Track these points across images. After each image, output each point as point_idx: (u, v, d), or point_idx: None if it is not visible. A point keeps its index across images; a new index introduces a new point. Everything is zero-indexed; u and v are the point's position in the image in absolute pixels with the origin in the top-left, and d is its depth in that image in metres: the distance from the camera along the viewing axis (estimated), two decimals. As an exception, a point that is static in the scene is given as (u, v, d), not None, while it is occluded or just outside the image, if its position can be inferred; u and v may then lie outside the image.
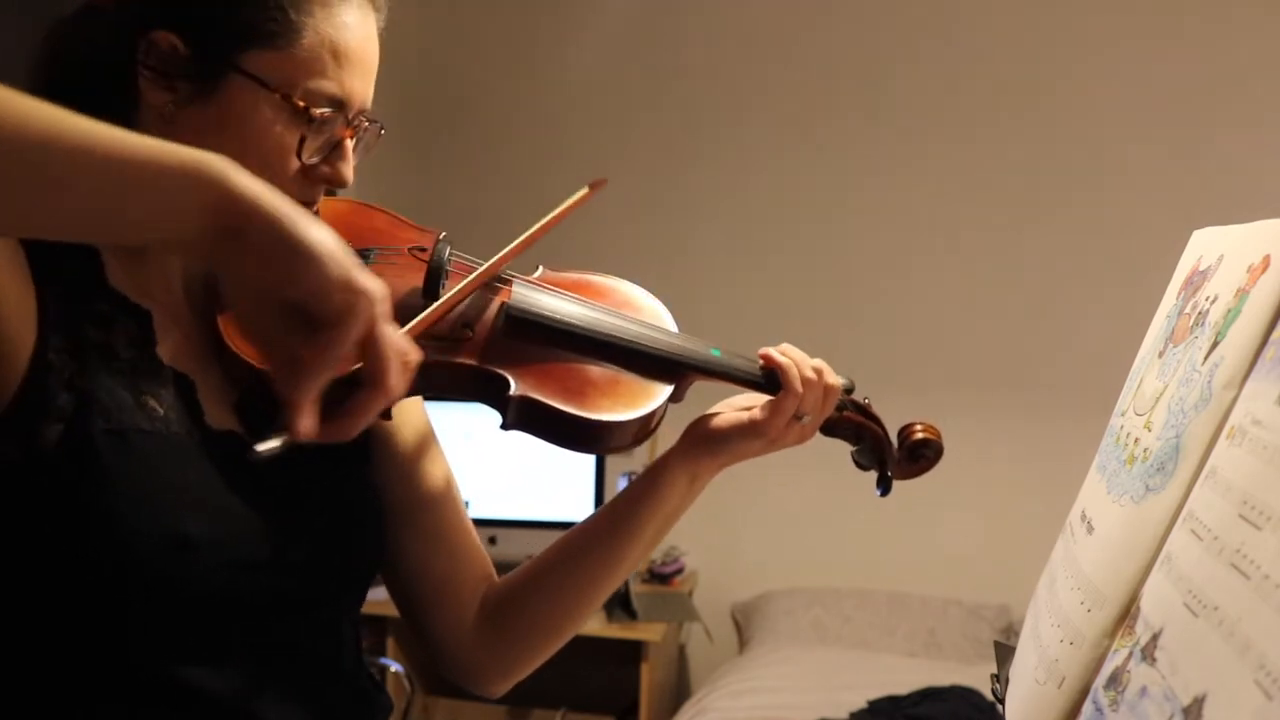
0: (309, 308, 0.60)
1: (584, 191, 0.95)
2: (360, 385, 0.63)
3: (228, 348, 0.79)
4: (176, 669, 0.74)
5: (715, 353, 0.94)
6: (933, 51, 3.12)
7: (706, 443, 0.95)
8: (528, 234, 0.91)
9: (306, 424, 0.61)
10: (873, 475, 1.01)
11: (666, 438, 0.99)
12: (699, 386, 0.95)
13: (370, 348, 0.62)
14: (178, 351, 0.80)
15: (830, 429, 0.98)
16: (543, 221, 0.93)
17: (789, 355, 0.93)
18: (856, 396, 0.99)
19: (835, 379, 0.95)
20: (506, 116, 3.41)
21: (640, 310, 0.97)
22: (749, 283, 3.23)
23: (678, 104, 3.32)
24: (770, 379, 0.93)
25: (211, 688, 0.75)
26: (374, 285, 0.61)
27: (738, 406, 0.96)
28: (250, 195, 0.59)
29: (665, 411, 0.91)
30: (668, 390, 0.90)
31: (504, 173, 3.39)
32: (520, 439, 0.88)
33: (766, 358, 0.93)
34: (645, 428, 0.89)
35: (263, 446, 0.62)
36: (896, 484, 1.01)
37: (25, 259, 0.71)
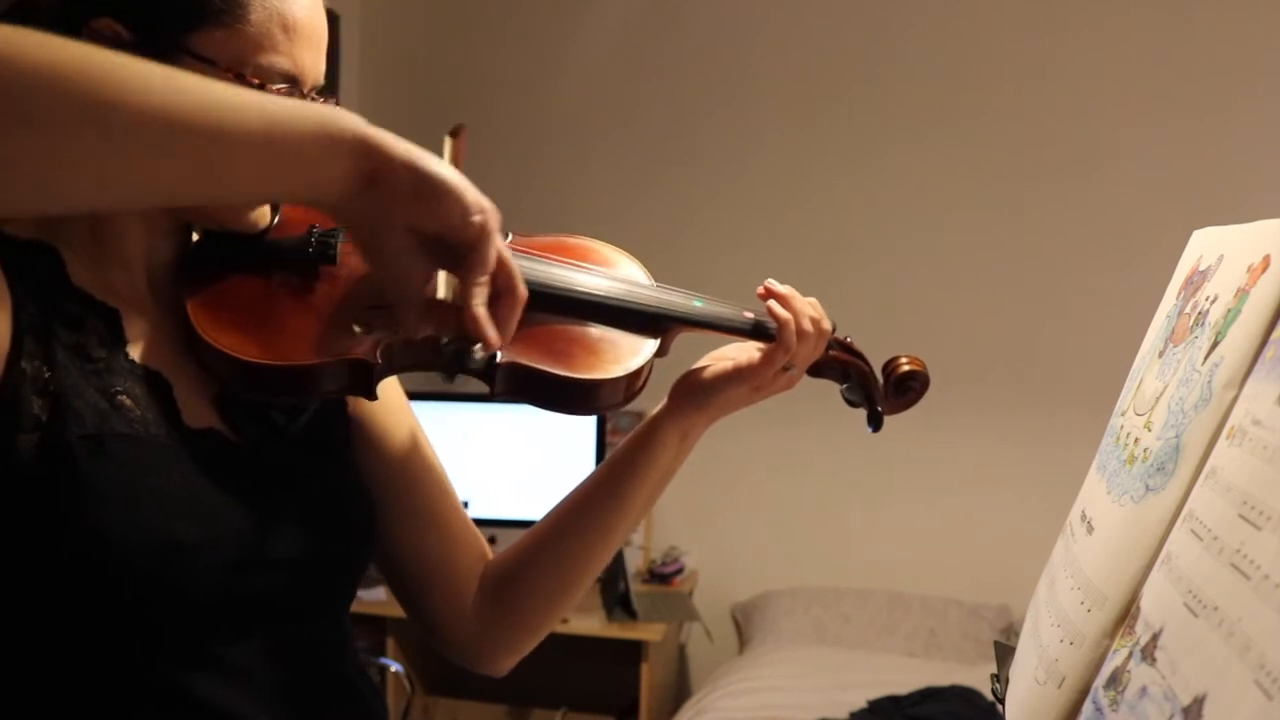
0: (452, 236, 0.65)
1: (448, 144, 0.92)
2: (500, 295, 0.69)
3: (201, 338, 0.77)
4: (173, 674, 0.73)
5: (698, 303, 0.94)
6: (934, 43, 3.11)
7: (694, 397, 0.94)
8: None
9: (493, 333, 0.68)
10: (863, 414, 1.01)
11: (652, 399, 0.98)
12: (686, 338, 0.94)
13: (502, 262, 0.68)
14: (149, 348, 0.78)
15: (817, 369, 0.98)
16: None
17: (790, 306, 0.92)
18: (838, 335, 1.00)
19: (828, 327, 0.95)
20: (506, 105, 3.41)
21: (616, 267, 0.96)
22: (748, 270, 3.20)
23: (678, 86, 3.31)
24: (759, 328, 0.93)
25: (210, 693, 0.74)
26: (490, 203, 0.67)
27: (724, 356, 0.95)
28: (384, 142, 0.63)
29: (653, 367, 0.90)
30: (654, 345, 0.90)
31: (501, 161, 3.38)
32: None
33: (770, 308, 0.92)
34: (634, 384, 0.89)
35: (469, 362, 0.70)
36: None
37: None
